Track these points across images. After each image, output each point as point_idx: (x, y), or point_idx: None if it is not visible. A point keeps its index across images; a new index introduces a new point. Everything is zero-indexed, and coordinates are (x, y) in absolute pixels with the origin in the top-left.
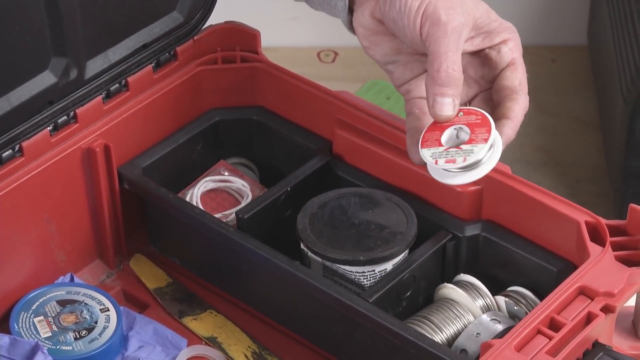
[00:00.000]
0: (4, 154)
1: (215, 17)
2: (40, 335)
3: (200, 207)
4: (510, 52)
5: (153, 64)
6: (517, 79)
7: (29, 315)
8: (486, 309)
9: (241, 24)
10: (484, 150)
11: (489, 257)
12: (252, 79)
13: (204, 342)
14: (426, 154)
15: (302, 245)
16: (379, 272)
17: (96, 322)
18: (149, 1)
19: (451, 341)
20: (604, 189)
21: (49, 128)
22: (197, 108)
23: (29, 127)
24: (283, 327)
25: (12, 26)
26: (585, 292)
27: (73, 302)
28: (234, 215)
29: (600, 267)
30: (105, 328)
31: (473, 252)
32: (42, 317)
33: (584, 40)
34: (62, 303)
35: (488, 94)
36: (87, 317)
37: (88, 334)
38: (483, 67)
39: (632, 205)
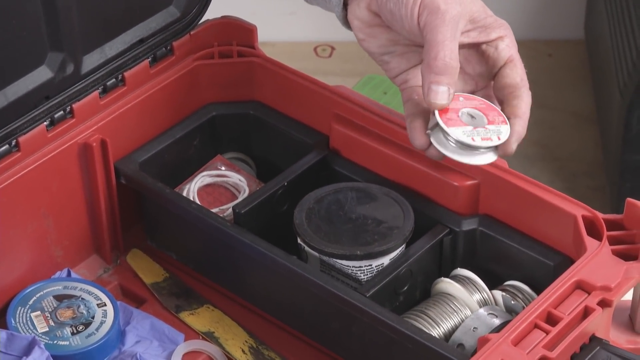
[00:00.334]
0: (1, 149)
1: (212, 12)
2: (37, 330)
3: (197, 202)
4: (508, 48)
5: (150, 59)
6: (518, 75)
7: (26, 310)
8: (483, 303)
9: (238, 18)
10: (508, 131)
11: (486, 252)
12: (249, 73)
13: (201, 337)
14: (457, 133)
15: (299, 240)
16: (376, 266)
17: (93, 317)
18: None
19: (448, 335)
20: (601, 183)
21: (45, 123)
22: (194, 103)
23: (25, 122)
24: (280, 322)
25: (9, 21)
26: (582, 287)
27: (70, 297)
28: (230, 210)
29: (597, 262)
30: (102, 323)
31: (470, 246)
32: (39, 312)
33: (580, 35)
34: (59, 298)
35: (484, 92)
36: (84, 312)
37: (85, 329)
38: (480, 64)
39: (629, 199)
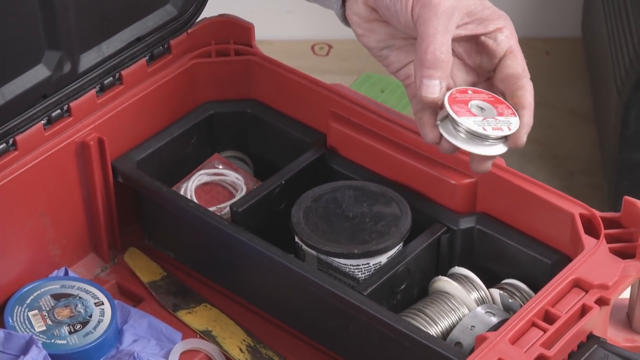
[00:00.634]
0: None
1: (209, 10)
2: (34, 329)
3: (195, 200)
4: (507, 39)
5: (147, 57)
6: (519, 65)
7: (23, 309)
8: (481, 301)
9: (235, 17)
10: (518, 122)
11: (484, 250)
12: (246, 72)
13: (198, 336)
14: (469, 122)
15: (296, 239)
16: (373, 265)
17: (90, 316)
18: None
19: (446, 334)
20: (598, 182)
21: (42, 122)
22: (191, 101)
23: (22, 120)
24: (278, 321)
25: (6, 19)
26: (579, 285)
27: (67, 296)
28: (228, 208)
29: (594, 260)
30: (99, 322)
31: (467, 244)
32: (36, 311)
33: (578, 33)
34: (57, 297)
35: (487, 84)
36: (82, 310)
37: (82, 327)
38: (481, 55)
39: (627, 197)
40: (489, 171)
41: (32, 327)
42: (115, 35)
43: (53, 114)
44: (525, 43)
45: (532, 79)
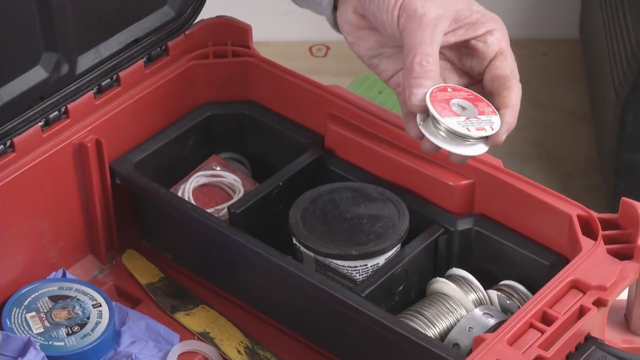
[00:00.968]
0: None
1: (207, 12)
2: (32, 331)
3: (192, 202)
4: (497, 41)
5: (144, 59)
6: (508, 67)
7: (21, 311)
8: (478, 303)
9: (232, 18)
10: (499, 121)
11: (481, 251)
12: (244, 73)
13: (196, 337)
14: (452, 123)
15: (294, 240)
16: (371, 266)
17: (88, 318)
18: None
19: (443, 335)
20: (596, 183)
21: (40, 123)
22: (189, 103)
23: (20, 122)
24: (275, 322)
25: (3, 21)
26: (577, 286)
27: (65, 297)
28: (226, 210)
29: (592, 261)
30: (97, 323)
31: (465, 246)
32: (34, 313)
33: (575, 34)
34: (55, 299)
35: (479, 86)
36: (80, 312)
37: (80, 329)
38: (471, 58)
39: (624, 198)
40: (487, 172)
41: (30, 328)
42: (113, 37)
43: (51, 116)
44: (523, 44)
45: (529, 80)
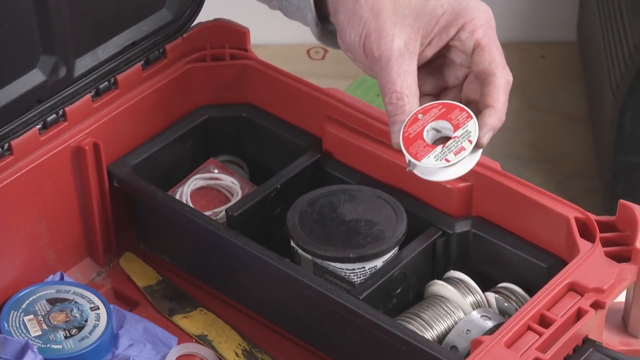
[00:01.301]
0: None
1: (205, 15)
2: (30, 334)
3: (190, 204)
4: (470, 35)
5: (142, 62)
6: (485, 60)
7: (18, 314)
8: (476, 305)
9: (230, 21)
10: (475, 125)
11: (479, 254)
12: (242, 76)
13: (194, 340)
14: (430, 161)
15: (292, 243)
16: (369, 269)
17: (86, 321)
18: None
19: (441, 338)
20: (594, 185)
21: (38, 126)
22: (187, 106)
23: (17, 125)
24: (273, 325)
25: (0, 24)
26: (575, 288)
27: (63, 300)
28: (223, 212)
29: (590, 263)
30: (95, 326)
31: (463, 248)
32: (32, 316)
33: (573, 36)
34: (52, 302)
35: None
36: (77, 315)
37: (78, 332)
38: (458, 57)
39: (622, 201)
40: (484, 175)
41: (28, 331)
42: (111, 40)
43: (48, 119)
44: (521, 47)
45: (527, 82)
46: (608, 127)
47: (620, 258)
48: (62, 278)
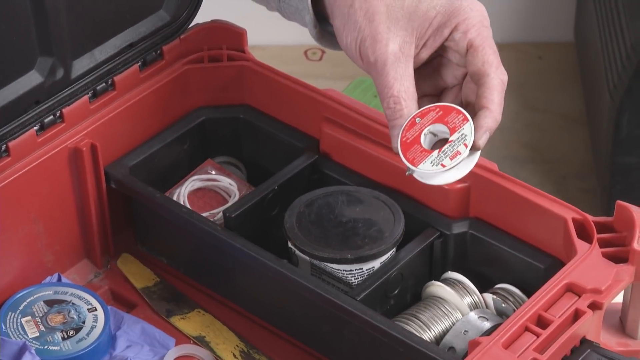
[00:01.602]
0: None
1: (202, 16)
2: (27, 336)
3: (188, 206)
4: (463, 35)
5: (139, 63)
6: (479, 60)
7: (16, 315)
8: (474, 306)
9: (227, 22)
10: (471, 128)
11: (477, 255)
12: (239, 77)
13: (192, 342)
14: (426, 166)
15: (289, 244)
16: (366, 270)
17: (84, 322)
18: (135, 0)
19: (439, 339)
20: (591, 186)
21: (35, 128)
22: (184, 107)
23: (15, 127)
24: (271, 326)
25: None
26: (572, 289)
27: (60, 302)
28: (221, 214)
29: (587, 264)
30: (93, 328)
31: (460, 249)
32: (29, 317)
33: (570, 37)
34: (50, 303)
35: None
36: (75, 317)
37: (76, 333)
38: (454, 57)
39: (619, 201)
40: (482, 176)
41: (25, 333)
42: (108, 41)
43: (46, 120)
44: (518, 47)
45: (524, 83)
46: (605, 127)
47: (618, 259)
48: (59, 279)
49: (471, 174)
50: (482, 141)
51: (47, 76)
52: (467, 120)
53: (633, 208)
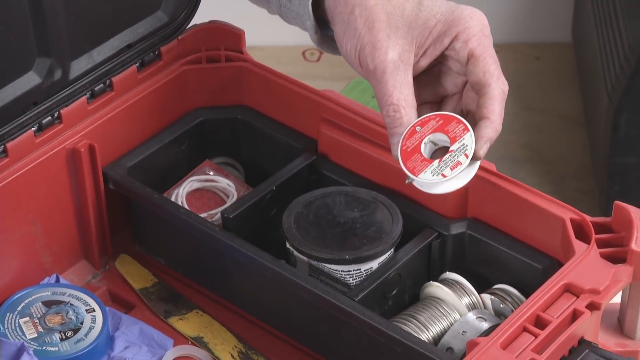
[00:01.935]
0: None
1: (200, 17)
2: (26, 337)
3: (186, 206)
4: (464, 45)
5: (137, 64)
6: (480, 70)
7: (14, 316)
8: (472, 307)
9: (225, 23)
10: (472, 138)
11: (475, 255)
12: (237, 78)
13: (190, 342)
14: (427, 176)
15: (287, 245)
16: (364, 270)
17: (82, 323)
18: (133, 1)
19: (437, 339)
20: (589, 186)
21: (33, 129)
22: (182, 108)
23: (13, 128)
24: (269, 327)
25: None
26: (570, 290)
27: (59, 302)
28: (219, 214)
29: (585, 265)
30: (91, 329)
31: (459, 250)
32: (27, 318)
33: (568, 38)
34: (48, 304)
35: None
36: (73, 317)
37: (74, 334)
38: (454, 66)
39: (617, 202)
40: (480, 176)
41: (24, 334)
42: (106, 42)
43: (44, 121)
44: (516, 48)
45: (522, 83)
46: (603, 128)
47: (616, 259)
48: (57, 280)
49: None
50: (483, 151)
51: (45, 77)
52: (468, 130)
53: (631, 208)
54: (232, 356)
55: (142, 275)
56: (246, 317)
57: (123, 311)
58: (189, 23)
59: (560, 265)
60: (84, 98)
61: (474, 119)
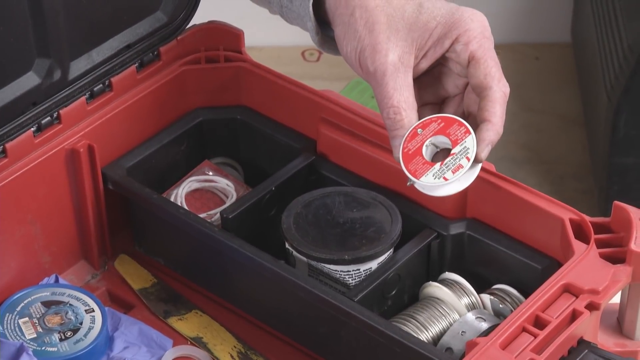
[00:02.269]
0: None
1: (199, 17)
2: (25, 337)
3: (185, 207)
4: (465, 47)
5: (137, 64)
6: (481, 73)
7: (13, 316)
8: (471, 307)
9: (225, 23)
10: (473, 140)
11: (474, 255)
12: (236, 78)
13: (189, 342)
14: (428, 179)
15: (287, 245)
16: (364, 271)
17: (81, 323)
18: (132, 1)
19: (436, 340)
20: (588, 186)
21: (32, 129)
22: (181, 108)
23: (12, 128)
24: (268, 327)
25: None
26: (570, 290)
27: (58, 303)
28: (218, 215)
29: (584, 265)
30: (90, 329)
31: (458, 250)
32: (27, 319)
33: (567, 38)
34: (47, 304)
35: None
36: (72, 318)
37: (73, 334)
38: (455, 68)
39: (616, 202)
40: (479, 177)
41: (23, 334)
42: (105, 43)
43: (43, 121)
44: (515, 48)
45: (521, 84)
46: (602, 128)
47: (615, 259)
48: (56, 280)
49: None
50: (484, 154)
51: (44, 77)
52: (470, 133)
53: (630, 209)
54: (232, 356)
55: (142, 276)
56: (245, 318)
57: (122, 311)
58: (188, 23)
59: (559, 265)
60: (83, 98)
61: (475, 121)
